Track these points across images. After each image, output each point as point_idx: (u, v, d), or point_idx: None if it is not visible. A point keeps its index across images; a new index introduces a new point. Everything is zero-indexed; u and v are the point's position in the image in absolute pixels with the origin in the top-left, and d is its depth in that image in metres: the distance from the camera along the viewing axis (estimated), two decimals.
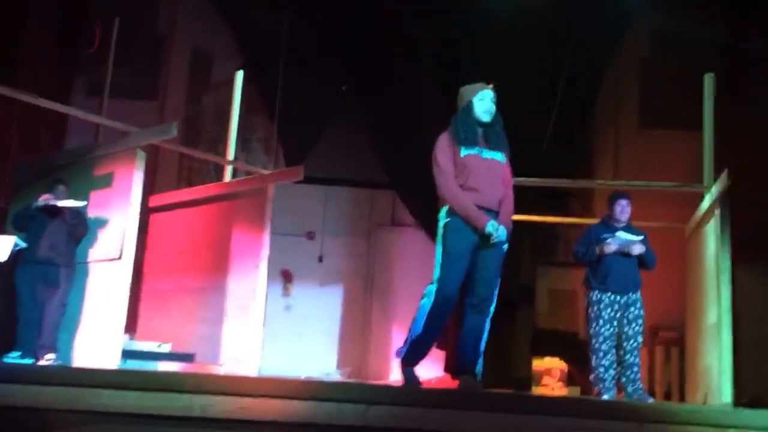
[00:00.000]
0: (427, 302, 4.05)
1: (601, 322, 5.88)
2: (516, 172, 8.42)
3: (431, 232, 9.52)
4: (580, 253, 6.06)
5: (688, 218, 8.10)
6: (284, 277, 10.50)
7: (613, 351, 5.90)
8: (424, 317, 3.84)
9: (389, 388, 3.22)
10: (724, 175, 6.79)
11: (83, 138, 8.70)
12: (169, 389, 3.02)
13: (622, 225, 6.06)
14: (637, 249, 5.89)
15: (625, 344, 5.89)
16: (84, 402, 2.98)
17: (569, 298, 10.27)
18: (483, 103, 3.97)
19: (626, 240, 5.88)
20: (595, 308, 5.91)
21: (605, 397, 5.82)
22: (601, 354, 5.89)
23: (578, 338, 10.07)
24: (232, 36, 10.40)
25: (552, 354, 9.15)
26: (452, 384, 8.48)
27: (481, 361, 3.73)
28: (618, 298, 5.90)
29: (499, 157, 3.93)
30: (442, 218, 3.99)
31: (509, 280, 8.96)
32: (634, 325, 5.89)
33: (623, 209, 6.07)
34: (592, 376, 5.94)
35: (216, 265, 7.71)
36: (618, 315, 5.89)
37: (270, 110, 9.77)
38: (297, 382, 3.19)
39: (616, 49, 9.77)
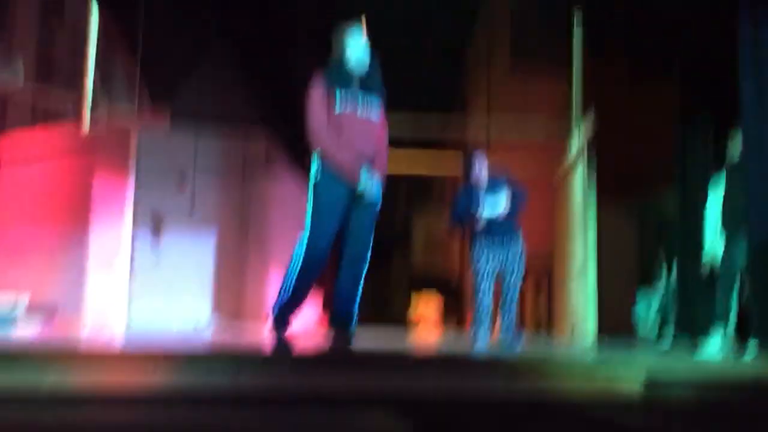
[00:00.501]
0: (299, 252, 3.87)
1: (483, 260, 5.96)
2: (390, 119, 8.49)
3: (307, 171, 9.45)
4: (454, 226, 6.14)
5: (558, 163, 8.34)
6: (154, 223, 10.03)
7: (492, 289, 6.00)
8: (294, 273, 3.68)
9: (257, 356, 3.07)
10: (590, 122, 6.97)
11: None
12: (15, 367, 2.75)
13: (485, 183, 6.08)
14: (503, 211, 5.93)
15: (505, 281, 6.02)
16: None
17: (443, 239, 10.47)
18: (356, 49, 3.76)
19: (491, 214, 5.94)
20: (477, 247, 5.97)
21: (479, 333, 5.92)
22: (480, 294, 5.97)
23: (452, 272, 10.34)
24: None
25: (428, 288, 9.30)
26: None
27: (355, 319, 3.62)
28: (498, 238, 6.01)
29: (374, 115, 3.76)
30: (314, 168, 3.80)
31: (386, 228, 9.13)
32: (513, 261, 6.02)
33: (480, 168, 6.12)
34: (473, 314, 6.04)
35: (77, 215, 7.26)
36: (499, 255, 6.00)
37: (132, 44, 9.18)
38: (157, 356, 2.98)
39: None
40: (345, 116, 3.68)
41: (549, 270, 8.95)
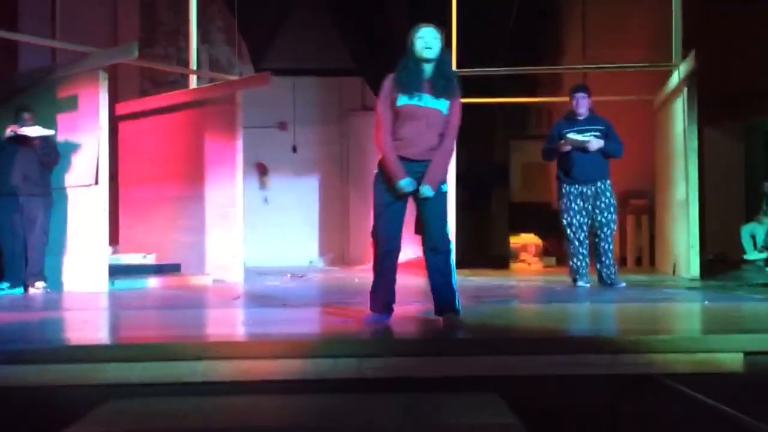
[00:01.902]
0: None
1: (572, 213, 6.16)
2: (486, 51, 8.45)
3: None
4: (546, 152, 6.33)
5: (657, 89, 8.16)
6: (259, 170, 10.53)
7: (586, 239, 6.17)
8: (378, 261, 3.92)
9: (381, 341, 3.38)
10: (691, 55, 6.80)
11: (36, 56, 8.39)
12: (172, 358, 3.17)
13: (583, 117, 6.17)
14: (594, 145, 6.03)
15: (598, 232, 6.16)
16: (92, 378, 3.13)
17: (542, 170, 10.46)
18: (422, 40, 3.81)
19: (579, 139, 5.98)
20: (565, 200, 6.18)
21: (580, 284, 6.14)
22: (576, 243, 6.18)
23: (551, 209, 10.38)
24: None
25: (527, 229, 9.44)
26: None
27: (457, 295, 3.84)
28: (585, 189, 6.12)
29: (441, 105, 3.79)
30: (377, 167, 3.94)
31: (483, 159, 9.22)
32: (606, 213, 6.14)
33: (579, 102, 6.20)
34: (569, 265, 6.25)
35: (192, 174, 7.71)
36: (588, 205, 6.12)
37: (230, 2, 9.42)
38: (292, 342, 3.34)
39: None
40: (407, 107, 3.74)
41: (650, 202, 8.90)
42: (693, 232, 6.90)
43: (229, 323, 4.40)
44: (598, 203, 6.13)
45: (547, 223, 10.00)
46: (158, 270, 7.38)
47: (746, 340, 3.23)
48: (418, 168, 3.77)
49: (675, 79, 7.36)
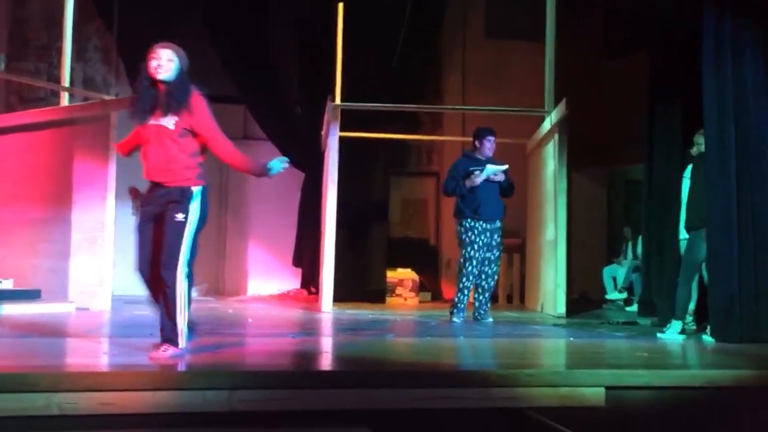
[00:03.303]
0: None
1: (476, 247, 6.29)
2: (369, 88, 8.56)
3: (281, 146, 9.52)
4: (450, 188, 6.45)
5: (531, 134, 8.53)
6: (133, 194, 10.10)
7: (477, 272, 6.30)
8: None
9: (252, 373, 3.29)
10: (562, 103, 7.17)
11: None
12: (25, 389, 2.95)
13: (485, 159, 6.38)
14: (500, 176, 6.32)
15: (486, 269, 6.34)
16: None
17: (420, 207, 10.68)
18: (155, 61, 3.85)
19: (492, 170, 6.23)
20: (470, 234, 6.28)
21: (455, 319, 6.25)
22: (471, 277, 6.30)
23: (428, 246, 10.58)
24: None
25: (405, 263, 9.55)
26: (308, 299, 8.68)
27: (181, 331, 3.70)
28: (488, 225, 6.32)
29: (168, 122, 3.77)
30: None
31: (362, 194, 9.29)
32: (497, 251, 6.42)
33: (488, 145, 6.44)
34: (455, 297, 6.36)
35: (58, 195, 7.31)
36: (487, 240, 6.29)
37: (107, 16, 9.12)
38: (158, 373, 3.19)
39: None
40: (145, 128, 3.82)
41: (522, 242, 9.23)
42: (560, 272, 7.20)
43: (90, 353, 4.16)
44: (492, 241, 6.32)
45: (424, 259, 10.21)
46: (15, 296, 6.91)
47: (608, 375, 3.38)
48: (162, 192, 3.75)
49: (547, 124, 7.73)
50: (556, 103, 7.46)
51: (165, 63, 3.81)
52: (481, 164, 6.37)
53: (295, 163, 9.43)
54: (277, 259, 10.02)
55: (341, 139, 7.74)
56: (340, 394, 3.15)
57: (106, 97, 7.90)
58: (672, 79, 6.41)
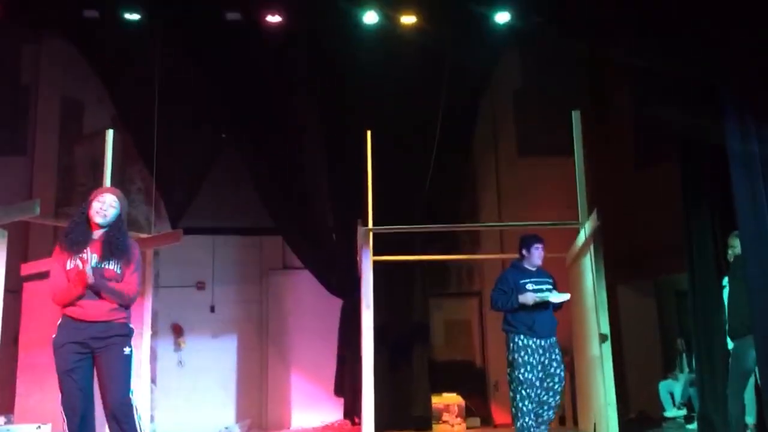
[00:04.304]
0: None
1: (529, 368, 5.81)
2: (403, 210, 8.60)
3: (318, 274, 9.53)
4: (501, 302, 6.00)
5: (568, 247, 8.38)
6: (175, 331, 10.19)
7: (535, 398, 5.85)
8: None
9: None
10: (594, 213, 7.06)
11: None
12: None
13: (535, 269, 6.12)
14: (557, 299, 5.98)
15: (546, 397, 5.92)
16: None
17: (463, 328, 10.45)
18: (98, 204, 4.12)
19: (549, 296, 5.95)
20: (523, 354, 5.84)
21: None
22: (527, 401, 5.81)
23: (474, 367, 10.26)
24: (102, 83, 10.00)
25: (450, 387, 9.24)
26: (351, 430, 8.41)
27: None
28: (542, 342, 5.92)
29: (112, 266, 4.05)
30: None
31: (402, 317, 9.14)
32: (558, 368, 5.96)
33: (538, 254, 6.12)
34: (518, 424, 5.85)
35: None
36: (543, 359, 5.91)
37: (147, 159, 9.48)
38: None
39: (490, 84, 10.05)
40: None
41: (571, 359, 8.87)
42: (609, 389, 6.82)
43: None
44: (552, 356, 5.94)
45: (470, 382, 9.88)
46: None
47: None
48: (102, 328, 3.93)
49: (582, 236, 7.58)
50: (589, 214, 7.35)
51: (107, 208, 4.05)
52: (532, 275, 6.06)
53: (333, 289, 9.58)
54: (321, 389, 9.81)
55: (378, 263, 7.69)
56: None
57: (143, 236, 8.08)
58: (704, 184, 6.30)
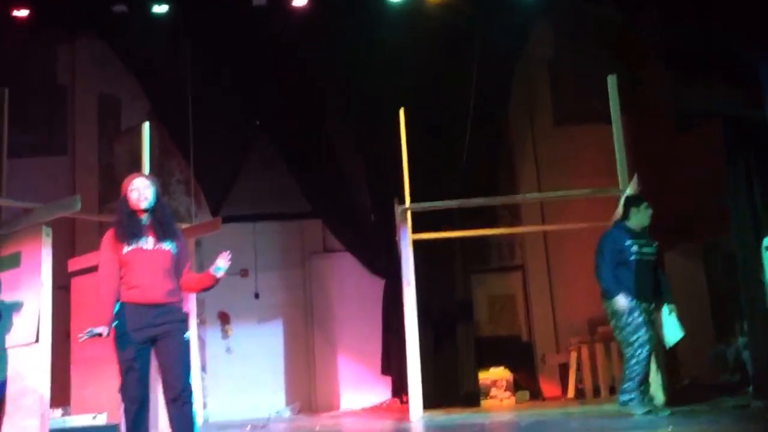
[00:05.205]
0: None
1: (646, 327, 5.76)
2: (440, 188, 8.54)
3: (359, 255, 9.56)
4: (605, 269, 5.86)
5: (610, 215, 8.23)
6: (222, 319, 10.32)
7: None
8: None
9: None
10: (634, 180, 6.91)
11: None
12: None
13: (639, 230, 6.02)
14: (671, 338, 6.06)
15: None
16: None
17: (508, 302, 10.37)
18: (136, 192, 4.10)
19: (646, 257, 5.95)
20: (636, 315, 5.76)
21: (637, 412, 5.69)
22: (644, 363, 5.74)
23: (521, 342, 10.19)
24: (136, 78, 10.11)
25: (496, 363, 9.20)
26: (401, 409, 8.43)
27: None
28: (647, 306, 5.91)
29: (167, 246, 4.04)
30: None
31: (444, 295, 9.10)
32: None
33: (650, 212, 6.04)
34: (633, 391, 5.73)
35: None
36: (650, 313, 5.92)
37: (184, 151, 9.59)
38: None
39: (523, 56, 9.89)
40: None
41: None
42: (658, 356, 6.72)
43: None
44: (651, 318, 5.94)
45: (517, 357, 9.81)
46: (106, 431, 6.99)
47: None
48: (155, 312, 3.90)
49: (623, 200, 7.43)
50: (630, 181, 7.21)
51: (144, 191, 4.08)
52: (637, 236, 5.94)
53: (374, 269, 9.59)
54: (368, 369, 9.85)
55: (417, 241, 7.68)
56: None
57: (183, 225, 8.17)
58: (745, 147, 6.13)
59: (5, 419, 6.13)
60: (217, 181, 9.72)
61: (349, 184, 9.60)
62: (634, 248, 5.90)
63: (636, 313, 5.78)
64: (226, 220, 8.64)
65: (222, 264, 4.07)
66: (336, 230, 9.72)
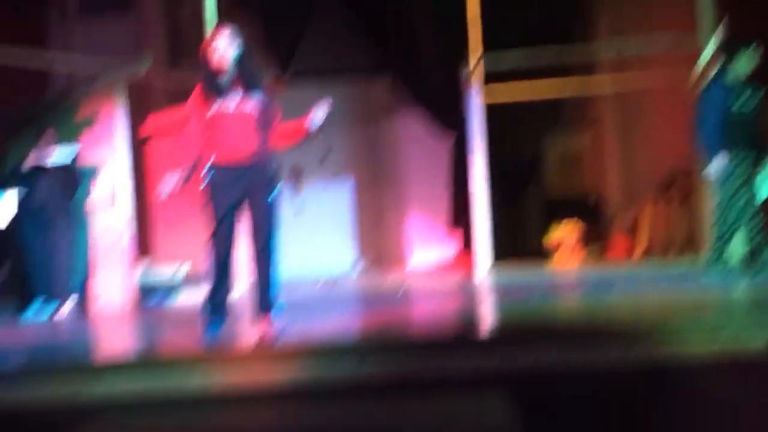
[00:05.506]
0: None
1: (749, 183, 5.37)
2: (509, 43, 8.21)
3: (429, 113, 9.40)
4: (708, 120, 5.38)
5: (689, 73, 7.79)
6: (294, 174, 10.43)
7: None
8: None
9: (380, 341, 3.24)
10: (721, 27, 6.48)
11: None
12: (168, 373, 3.08)
13: (747, 79, 5.43)
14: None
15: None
16: (86, 394, 3.06)
17: (579, 159, 10.17)
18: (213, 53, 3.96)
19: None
20: (744, 169, 5.35)
21: (722, 272, 5.44)
22: (736, 223, 5.39)
23: (591, 199, 10.05)
24: None
25: (568, 218, 9.12)
26: (471, 263, 8.51)
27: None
28: (747, 162, 5.43)
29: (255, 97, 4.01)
30: None
31: (516, 150, 8.95)
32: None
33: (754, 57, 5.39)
34: (719, 250, 5.44)
35: None
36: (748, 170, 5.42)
37: (252, 9, 9.42)
38: (291, 350, 3.22)
39: None
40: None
41: (693, 187, 8.49)
42: None
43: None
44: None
45: (588, 213, 9.69)
46: (190, 282, 7.33)
47: None
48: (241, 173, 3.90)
49: (708, 53, 7.02)
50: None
51: (226, 49, 3.93)
52: (740, 88, 5.37)
53: (443, 126, 9.47)
54: (437, 225, 9.95)
55: (487, 96, 7.51)
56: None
57: None
58: None
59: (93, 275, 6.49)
60: (284, 40, 9.59)
61: (419, 39, 9.33)
62: (739, 101, 5.38)
63: (737, 172, 5.37)
64: (293, 77, 8.57)
65: (319, 114, 4.00)
66: (405, 86, 9.56)
